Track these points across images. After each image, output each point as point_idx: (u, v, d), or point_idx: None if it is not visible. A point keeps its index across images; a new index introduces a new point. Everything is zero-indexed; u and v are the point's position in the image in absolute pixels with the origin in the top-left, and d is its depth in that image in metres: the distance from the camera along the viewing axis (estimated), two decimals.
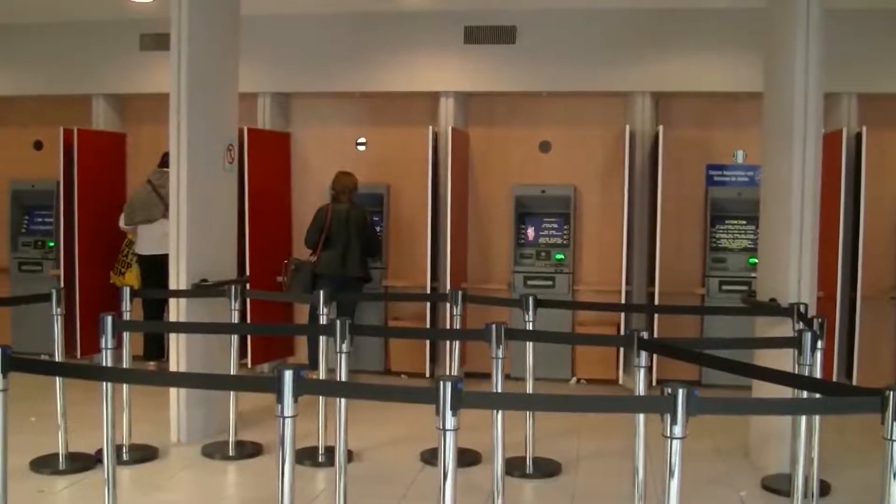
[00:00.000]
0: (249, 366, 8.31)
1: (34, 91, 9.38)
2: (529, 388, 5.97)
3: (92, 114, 9.38)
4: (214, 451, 6.28)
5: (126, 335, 6.10)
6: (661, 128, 8.09)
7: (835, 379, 7.25)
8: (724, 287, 8.35)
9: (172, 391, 6.50)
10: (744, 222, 8.43)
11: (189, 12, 6.44)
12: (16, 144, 9.69)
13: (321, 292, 6.27)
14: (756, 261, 6.95)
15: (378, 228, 8.91)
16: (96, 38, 9.17)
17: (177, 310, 6.57)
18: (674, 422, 3.13)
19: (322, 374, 6.15)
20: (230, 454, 6.25)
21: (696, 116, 8.74)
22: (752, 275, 7.52)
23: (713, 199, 8.57)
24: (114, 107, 9.49)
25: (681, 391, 3.12)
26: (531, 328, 6.06)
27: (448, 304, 6.60)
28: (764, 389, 5.12)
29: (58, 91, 9.30)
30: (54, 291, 6.13)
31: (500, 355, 5.06)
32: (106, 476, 4.76)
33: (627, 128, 8.25)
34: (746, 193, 8.31)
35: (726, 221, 8.52)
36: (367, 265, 8.38)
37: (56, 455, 5.87)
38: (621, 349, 8.15)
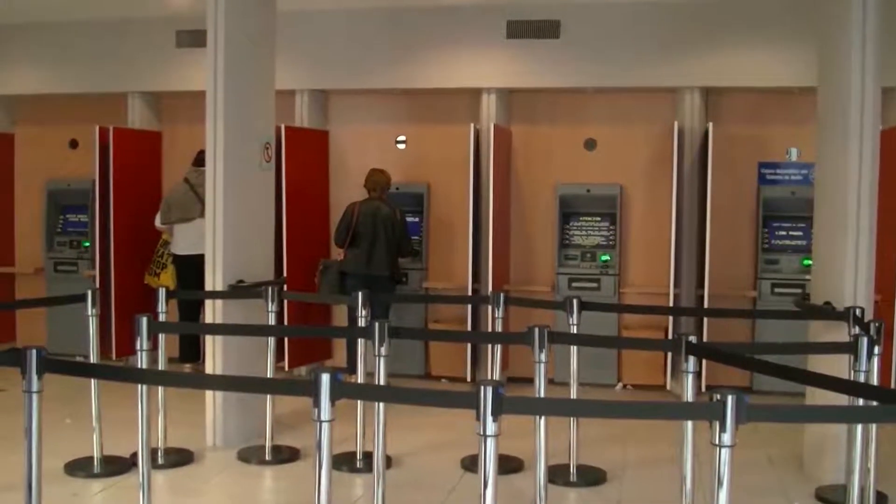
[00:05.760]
0: (287, 369, 8.36)
1: (69, 89, 9.50)
2: (573, 394, 5.95)
3: (127, 112, 9.49)
4: (250, 455, 6.33)
5: (161, 337, 6.17)
6: (710, 125, 8.02)
7: (892, 386, 7.15)
8: (777, 290, 8.27)
9: (208, 394, 6.56)
10: (798, 223, 8.36)
11: (225, 9, 6.50)
12: (51, 143, 9.83)
13: (360, 294, 6.28)
14: (810, 262, 6.87)
15: (418, 228, 8.93)
16: (132, 35, 9.28)
17: (213, 311, 6.63)
18: (723, 429, 3.11)
19: (360, 378, 6.18)
20: (266, 459, 6.30)
21: (748, 112, 8.66)
22: (806, 277, 7.44)
23: (765, 198, 8.49)
24: (149, 105, 9.60)
25: (730, 397, 3.10)
26: (575, 331, 6.03)
27: (490, 307, 6.59)
28: (818, 397, 5.08)
29: (93, 89, 9.42)
30: (89, 292, 6.19)
31: (544, 359, 5.05)
32: (141, 480, 4.82)
33: (676, 125, 8.19)
34: (800, 192, 8.23)
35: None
36: (397, 265, 8.39)
37: (91, 458, 5.95)
38: (669, 354, 8.09)
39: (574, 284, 8.60)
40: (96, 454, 5.95)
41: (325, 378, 3.46)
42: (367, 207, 8.27)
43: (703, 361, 6.24)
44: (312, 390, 3.46)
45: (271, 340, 6.53)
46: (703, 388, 7.24)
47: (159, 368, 6.13)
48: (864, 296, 5.78)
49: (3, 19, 9.29)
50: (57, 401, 4.97)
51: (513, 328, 7.41)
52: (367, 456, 5.87)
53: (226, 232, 6.55)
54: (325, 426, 3.47)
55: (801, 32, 7.79)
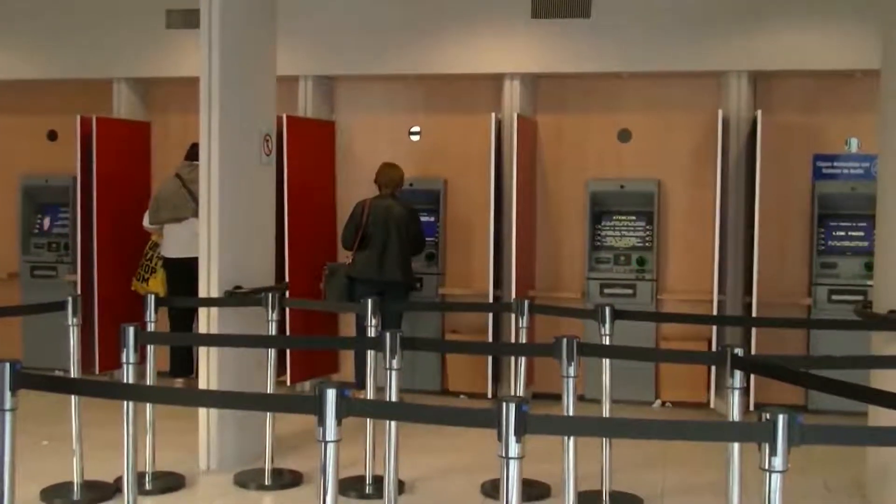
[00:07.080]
0: (288, 384, 8.37)
1: (47, 75, 9.54)
2: (606, 412, 5.94)
3: (112, 100, 9.52)
4: (248, 479, 6.34)
5: (150, 349, 6.18)
6: (759, 113, 7.99)
7: None
8: (835, 297, 8.24)
9: (202, 412, 6.57)
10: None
11: None
12: (27, 135, 9.88)
13: (369, 301, 6.28)
14: (872, 266, 6.84)
15: (433, 229, 8.93)
16: (117, 15, 9.31)
17: (207, 320, 6.65)
18: (773, 452, 3.11)
19: (370, 394, 6.19)
20: (266, 483, 6.31)
21: (801, 99, 8.64)
22: (868, 283, 7.41)
23: (821, 194, 8.46)
24: (137, 92, 9.64)
25: (781, 417, 3.10)
26: (608, 343, 6.03)
27: (513, 316, 6.59)
28: (882, 416, 5.04)
29: (74, 75, 9.46)
30: (70, 299, 6.22)
31: (573, 374, 5.04)
32: None
33: (720, 113, 8.17)
34: (861, 188, 8.21)
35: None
36: (411, 269, 8.40)
37: (70, 483, 5.96)
38: (713, 368, 8.07)
39: (606, 291, 8.60)
40: (76, 479, 5.96)
41: (331, 394, 3.46)
42: (378, 206, 8.28)
43: (751, 376, 6.21)
44: (317, 407, 3.46)
45: (272, 352, 6.54)
46: (752, 407, 7.23)
47: (147, 383, 6.14)
48: None
49: None
50: (33, 420, 4.99)
51: (538, 339, 7.40)
52: (378, 480, 5.87)
53: (221, 233, 6.56)
54: (331, 447, 3.47)
55: (861, 9, 7.78)
